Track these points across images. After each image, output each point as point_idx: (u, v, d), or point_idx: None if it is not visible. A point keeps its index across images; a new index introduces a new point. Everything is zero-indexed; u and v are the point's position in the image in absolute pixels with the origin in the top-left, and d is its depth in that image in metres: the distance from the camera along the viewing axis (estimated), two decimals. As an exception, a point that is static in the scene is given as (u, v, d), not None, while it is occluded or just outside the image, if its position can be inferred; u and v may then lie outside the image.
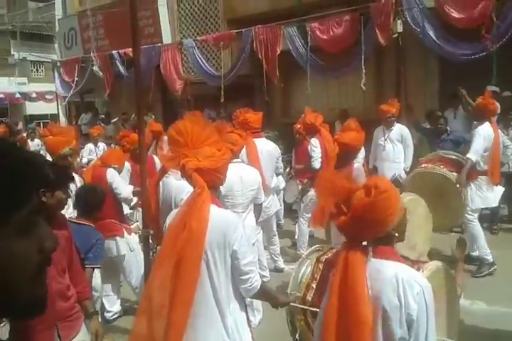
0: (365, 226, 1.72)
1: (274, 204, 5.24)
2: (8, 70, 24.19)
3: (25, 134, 12.97)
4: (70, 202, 3.46)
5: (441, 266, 2.28)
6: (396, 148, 6.47)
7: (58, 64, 12.64)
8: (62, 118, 14.16)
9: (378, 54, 8.17)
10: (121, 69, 10.60)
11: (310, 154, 5.56)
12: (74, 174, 3.79)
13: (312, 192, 5.56)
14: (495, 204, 5.34)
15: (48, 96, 20.37)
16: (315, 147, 5.53)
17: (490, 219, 6.31)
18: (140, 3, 4.59)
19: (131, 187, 4.67)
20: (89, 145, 8.93)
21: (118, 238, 4.28)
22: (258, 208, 4.13)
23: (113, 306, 4.50)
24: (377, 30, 7.33)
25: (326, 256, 2.32)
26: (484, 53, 6.47)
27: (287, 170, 7.18)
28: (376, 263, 1.77)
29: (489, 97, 5.18)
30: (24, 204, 0.73)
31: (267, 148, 5.06)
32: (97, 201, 3.62)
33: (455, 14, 6.76)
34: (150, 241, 3.84)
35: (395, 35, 7.27)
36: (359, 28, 7.55)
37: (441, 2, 6.86)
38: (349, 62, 7.89)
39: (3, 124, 10.19)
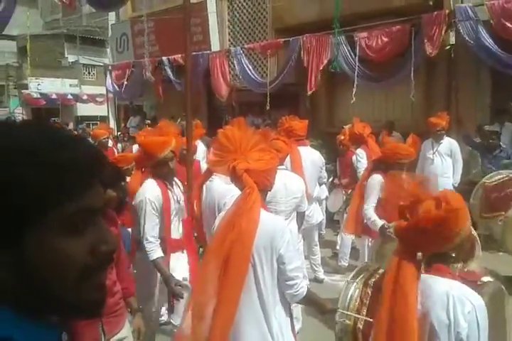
0: (424, 237, 1.68)
1: (316, 214, 5.20)
2: (61, 72, 25.15)
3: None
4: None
5: (498, 288, 2.13)
6: (445, 163, 6.30)
7: (110, 68, 13.07)
8: (112, 121, 14.61)
9: (429, 65, 8.04)
10: (171, 74, 10.85)
11: (355, 165, 5.49)
12: None
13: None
14: None
15: (98, 99, 21.12)
16: (361, 158, 5.47)
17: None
18: (190, 10, 4.70)
19: None
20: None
21: None
22: (301, 216, 4.11)
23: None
24: (427, 42, 7.23)
25: (374, 279, 2.24)
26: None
27: (330, 179, 7.12)
28: (429, 279, 1.72)
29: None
30: (69, 200, 0.68)
31: (311, 156, 5.03)
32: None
33: (510, 27, 6.58)
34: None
35: (448, 47, 7.14)
36: (409, 39, 7.47)
37: (496, 15, 6.70)
38: (397, 72, 7.79)
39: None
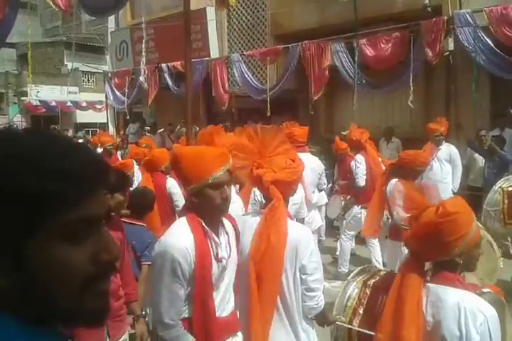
0: (425, 244, 1.67)
1: (316, 220, 5.19)
2: (60, 79, 25.19)
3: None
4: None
5: (497, 299, 2.08)
6: (444, 168, 6.28)
7: (109, 75, 13.10)
8: (111, 127, 14.62)
9: (427, 72, 8.05)
10: (170, 81, 10.86)
11: (354, 171, 5.47)
12: None
13: (356, 209, 5.48)
14: None
15: (97, 106, 21.18)
16: (360, 164, 5.44)
17: None
18: (190, 17, 4.72)
19: None
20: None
21: None
22: (300, 222, 4.09)
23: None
24: (426, 48, 7.25)
25: (374, 280, 2.23)
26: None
27: (329, 185, 7.10)
28: (438, 290, 1.70)
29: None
30: (70, 208, 0.68)
31: (310, 163, 5.01)
32: (148, 203, 3.75)
33: (509, 33, 6.61)
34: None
35: (446, 53, 7.16)
36: (408, 45, 7.49)
37: (495, 20, 6.73)
38: (397, 79, 7.81)
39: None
